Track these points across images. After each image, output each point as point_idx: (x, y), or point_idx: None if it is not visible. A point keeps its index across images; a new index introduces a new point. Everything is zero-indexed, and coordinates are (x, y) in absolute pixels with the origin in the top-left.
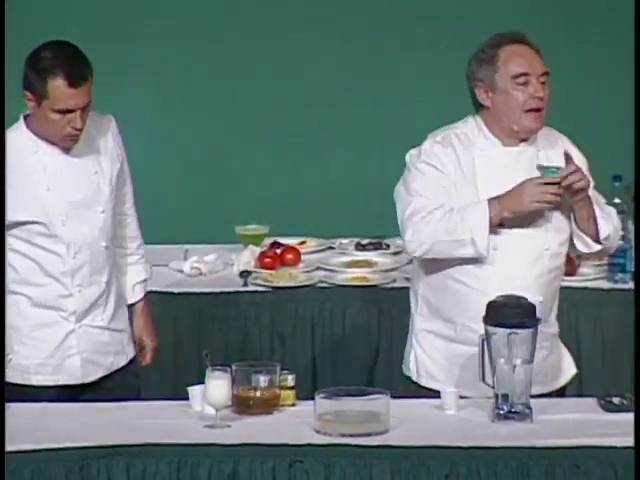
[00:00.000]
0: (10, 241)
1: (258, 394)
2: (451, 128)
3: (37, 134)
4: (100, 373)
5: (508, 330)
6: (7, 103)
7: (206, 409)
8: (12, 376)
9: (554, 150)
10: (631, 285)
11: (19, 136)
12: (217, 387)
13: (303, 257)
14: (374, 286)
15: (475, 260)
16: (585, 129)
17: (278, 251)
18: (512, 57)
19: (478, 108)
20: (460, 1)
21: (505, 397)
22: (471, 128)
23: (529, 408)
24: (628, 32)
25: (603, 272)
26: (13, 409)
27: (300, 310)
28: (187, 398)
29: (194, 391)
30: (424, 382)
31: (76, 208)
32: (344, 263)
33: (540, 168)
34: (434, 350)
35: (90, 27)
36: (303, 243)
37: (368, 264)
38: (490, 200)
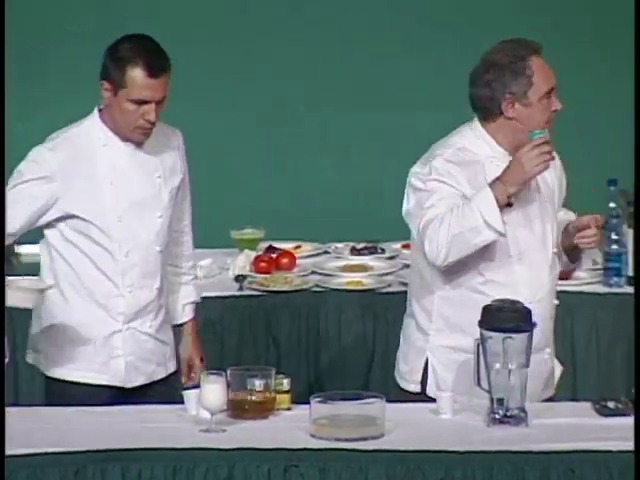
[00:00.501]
0: (65, 231)
1: (253, 398)
2: (451, 143)
3: (110, 127)
4: (141, 380)
5: (503, 334)
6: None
7: (201, 413)
8: (53, 370)
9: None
10: (626, 289)
11: (91, 126)
12: (212, 391)
13: (298, 261)
14: (369, 290)
15: (498, 268)
16: (580, 133)
17: (273, 255)
18: (542, 72)
19: (485, 116)
20: (459, 4)
21: (500, 401)
22: (471, 140)
23: (524, 412)
24: (624, 35)
25: (599, 276)
26: (8, 413)
27: (295, 314)
28: (182, 402)
29: (189, 395)
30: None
31: (134, 207)
32: (339, 267)
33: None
34: (454, 364)
35: (90, 27)
36: (298, 247)
37: (363, 268)
38: (492, 183)
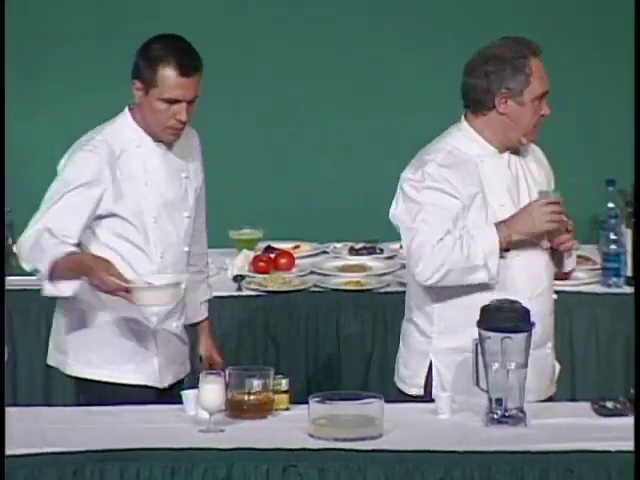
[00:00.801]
0: (101, 234)
1: (252, 398)
2: (442, 146)
3: (142, 127)
4: (170, 380)
5: (502, 334)
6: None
7: (200, 413)
8: (86, 371)
9: (531, 156)
10: (625, 289)
11: (124, 125)
12: (211, 391)
13: (297, 261)
14: (368, 290)
15: (504, 269)
16: (578, 134)
17: (272, 255)
18: (539, 75)
19: (476, 109)
20: (459, 4)
21: (499, 401)
22: (460, 140)
23: (523, 412)
24: (623, 35)
25: (597, 276)
26: (6, 412)
27: (294, 314)
28: (181, 402)
29: (188, 395)
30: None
31: (166, 207)
32: (338, 267)
33: (542, 192)
34: (458, 366)
35: (90, 27)
36: (297, 247)
37: (362, 268)
38: (498, 224)
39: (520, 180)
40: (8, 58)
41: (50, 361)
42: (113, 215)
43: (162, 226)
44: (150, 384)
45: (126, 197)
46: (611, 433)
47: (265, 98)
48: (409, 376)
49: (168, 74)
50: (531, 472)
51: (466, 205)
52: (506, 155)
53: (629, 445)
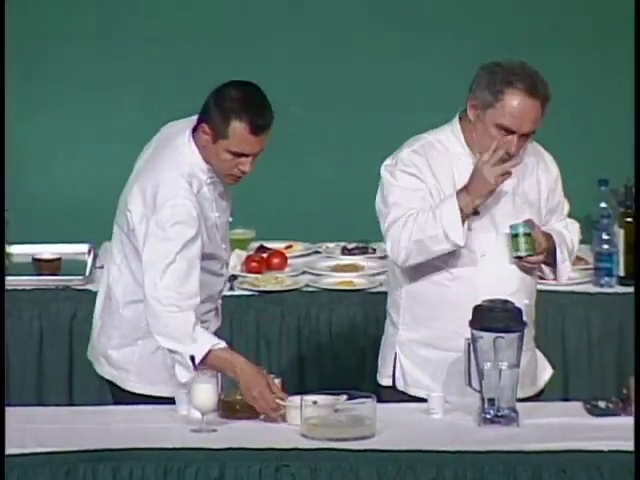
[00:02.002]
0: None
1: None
2: (424, 136)
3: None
4: None
5: (494, 334)
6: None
7: (192, 413)
8: (141, 387)
9: (532, 165)
10: (617, 289)
11: (195, 164)
12: (203, 391)
13: (289, 261)
14: (360, 290)
15: (463, 265)
16: (571, 133)
17: (264, 255)
18: (511, 108)
19: (464, 110)
20: (458, 9)
21: (491, 401)
22: (447, 134)
23: (515, 412)
24: (623, 35)
25: (589, 276)
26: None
27: (286, 314)
28: (173, 402)
29: (180, 395)
30: (413, 391)
31: (226, 225)
32: (330, 267)
33: (512, 226)
34: (420, 359)
35: (90, 27)
36: (289, 247)
37: (354, 268)
38: (458, 191)
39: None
40: (8, 58)
41: (105, 374)
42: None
43: (227, 248)
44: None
45: (209, 232)
46: (603, 433)
47: None
48: (381, 366)
49: (241, 131)
50: (524, 472)
51: (433, 194)
52: None
53: (621, 445)
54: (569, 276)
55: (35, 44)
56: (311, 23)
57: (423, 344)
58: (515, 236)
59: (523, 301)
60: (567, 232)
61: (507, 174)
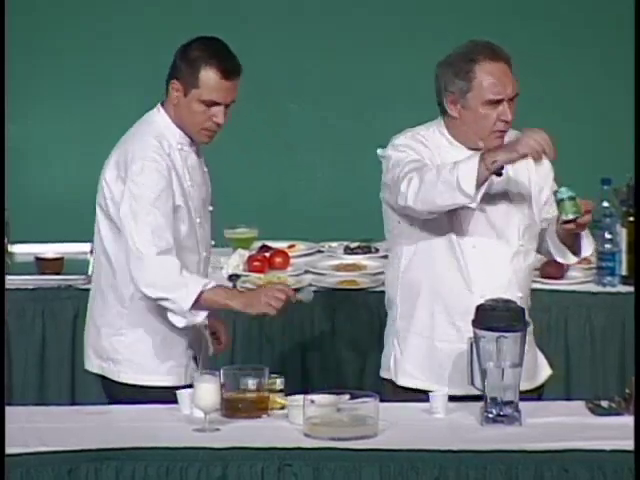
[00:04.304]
0: None
1: (247, 397)
2: (415, 130)
3: (179, 127)
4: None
5: (497, 333)
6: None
7: (195, 413)
8: (129, 377)
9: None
10: (620, 288)
11: (166, 128)
12: (206, 391)
13: (292, 260)
14: (363, 289)
15: (454, 256)
16: (574, 132)
17: (267, 255)
18: (487, 79)
19: (440, 110)
20: (446, 6)
21: (494, 400)
22: (433, 130)
23: (518, 411)
24: (620, 35)
25: (592, 275)
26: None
27: (289, 313)
28: (176, 401)
29: (183, 395)
30: (403, 382)
31: (204, 206)
32: (333, 266)
33: (556, 195)
34: (414, 350)
35: (89, 26)
36: (292, 247)
37: (357, 267)
38: (483, 152)
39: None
40: (8, 58)
41: (92, 368)
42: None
43: (203, 225)
44: (190, 383)
45: (177, 199)
46: (606, 432)
47: (261, 97)
48: (382, 357)
49: (210, 76)
50: (526, 471)
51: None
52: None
53: (624, 444)
54: (591, 252)
55: (35, 44)
56: (311, 23)
57: (417, 334)
58: (561, 201)
59: (516, 294)
60: None
61: (537, 154)
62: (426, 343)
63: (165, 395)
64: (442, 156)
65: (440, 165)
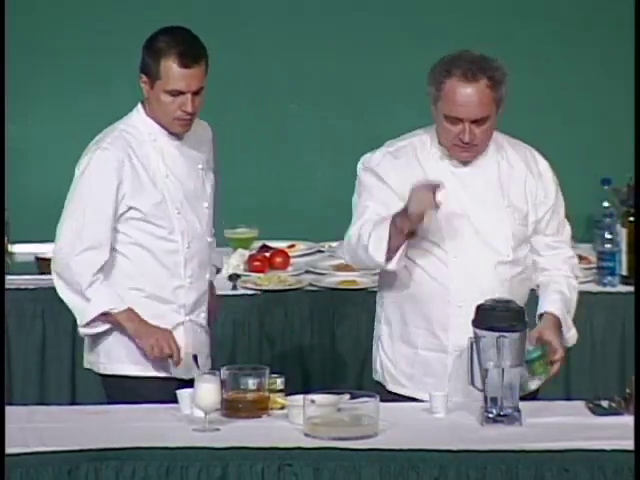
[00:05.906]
0: (126, 230)
1: (247, 397)
2: (403, 138)
3: (155, 121)
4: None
5: (497, 334)
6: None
7: (195, 412)
8: (114, 368)
9: (516, 158)
10: (620, 288)
11: (138, 120)
12: (206, 390)
13: (292, 260)
14: (363, 289)
15: (436, 265)
16: (574, 132)
17: (267, 254)
18: (451, 96)
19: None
20: (446, 6)
21: (494, 400)
22: (421, 137)
23: (518, 411)
24: (620, 34)
25: (592, 275)
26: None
27: (289, 313)
28: (176, 401)
29: (183, 394)
30: (392, 388)
31: (188, 198)
32: (333, 266)
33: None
34: (399, 356)
35: (89, 25)
36: (292, 246)
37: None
38: (396, 214)
39: (470, 192)
40: (8, 58)
41: (85, 364)
42: (136, 210)
43: (186, 217)
44: (179, 376)
45: (148, 191)
46: (606, 432)
47: (261, 97)
48: (374, 363)
49: (170, 66)
50: (526, 471)
51: (399, 196)
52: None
53: (624, 444)
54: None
55: (35, 44)
56: (312, 22)
57: (401, 341)
58: (529, 362)
59: None
60: (567, 291)
61: (436, 205)
62: (409, 350)
63: (154, 386)
64: (430, 165)
65: (363, 230)
